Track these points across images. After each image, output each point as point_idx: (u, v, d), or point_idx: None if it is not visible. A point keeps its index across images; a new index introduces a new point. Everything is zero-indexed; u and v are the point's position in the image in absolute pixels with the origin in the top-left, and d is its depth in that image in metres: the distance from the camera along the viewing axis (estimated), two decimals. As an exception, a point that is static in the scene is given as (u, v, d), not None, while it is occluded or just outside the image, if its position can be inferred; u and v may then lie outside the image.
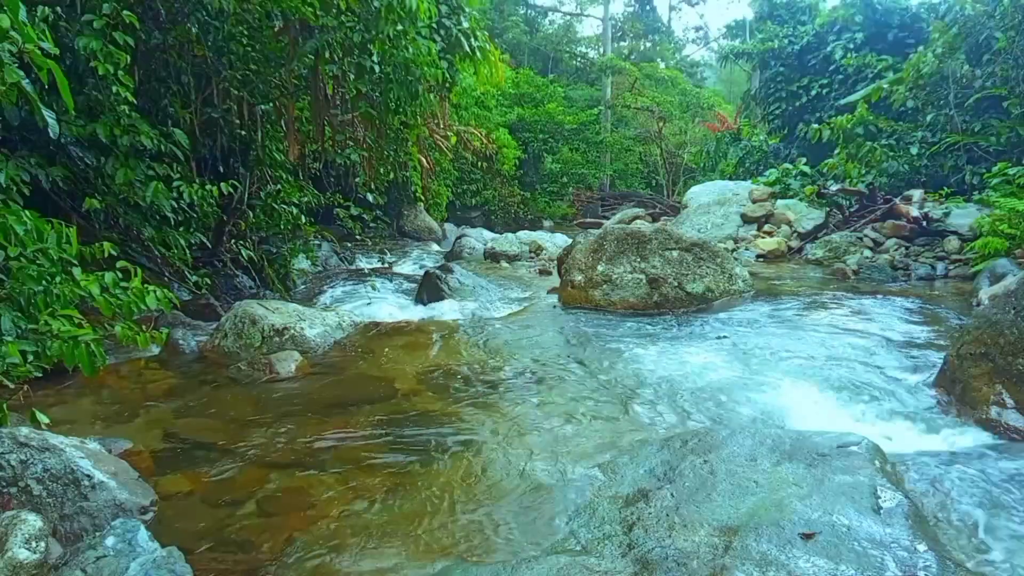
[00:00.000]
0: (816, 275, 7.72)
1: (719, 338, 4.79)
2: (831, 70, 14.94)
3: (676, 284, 5.80)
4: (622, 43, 33.51)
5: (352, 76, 5.82)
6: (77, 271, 2.81)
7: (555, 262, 7.30)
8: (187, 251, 5.51)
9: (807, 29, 15.94)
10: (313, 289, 7.82)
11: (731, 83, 33.19)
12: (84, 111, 4.53)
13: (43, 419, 2.71)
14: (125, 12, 4.22)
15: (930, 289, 6.73)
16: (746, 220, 10.76)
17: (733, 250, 9.33)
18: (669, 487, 2.47)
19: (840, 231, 9.25)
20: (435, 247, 13.64)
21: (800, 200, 10.99)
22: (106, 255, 3.01)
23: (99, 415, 3.63)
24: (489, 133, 17.52)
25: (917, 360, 4.17)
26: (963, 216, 8.38)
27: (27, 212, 2.72)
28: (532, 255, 10.57)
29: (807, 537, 2.08)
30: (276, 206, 6.74)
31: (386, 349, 4.84)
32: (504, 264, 9.86)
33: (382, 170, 7.49)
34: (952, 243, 7.91)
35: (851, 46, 14.45)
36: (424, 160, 13.29)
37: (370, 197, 7.09)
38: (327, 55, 5.64)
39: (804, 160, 12.45)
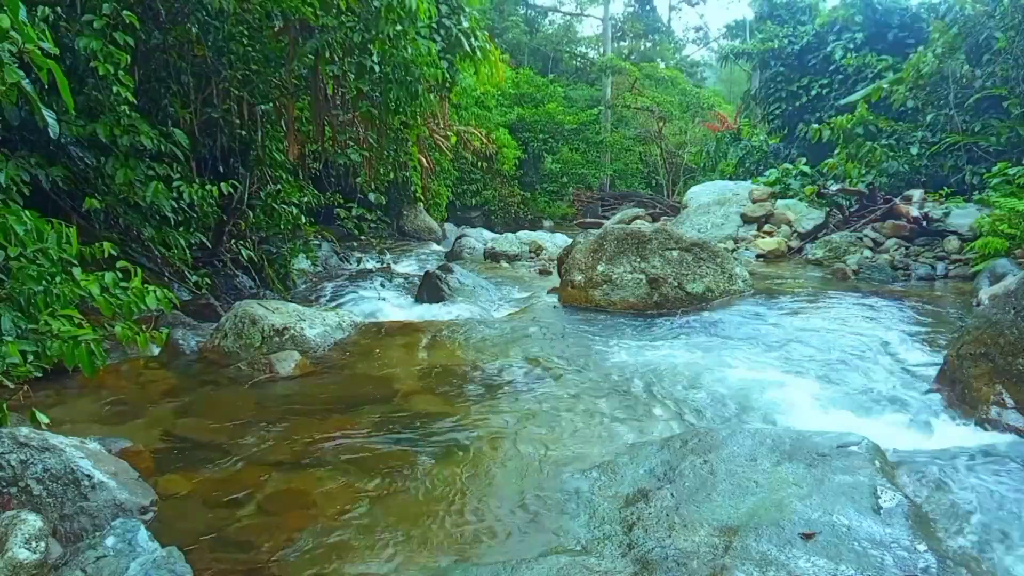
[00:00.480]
0: (816, 275, 7.72)
1: (719, 338, 4.79)
2: (831, 70, 14.94)
3: (676, 284, 5.80)
4: (622, 43, 33.51)
5: (352, 76, 5.82)
6: (77, 271, 2.81)
7: (555, 262, 7.30)
8: (187, 251, 5.50)
9: (807, 29, 15.93)
10: (313, 289, 7.82)
11: (731, 83, 33.18)
12: (84, 111, 4.53)
13: (43, 419, 2.71)
14: (125, 12, 4.22)
15: (930, 289, 6.73)
16: (746, 220, 10.75)
17: (733, 250, 9.33)
18: (669, 487, 2.47)
19: (840, 231, 9.24)
20: (435, 247, 13.64)
21: (800, 200, 10.98)
22: (106, 255, 3.01)
23: (99, 415, 3.63)
24: (489, 133, 17.52)
25: (917, 360, 4.17)
26: (963, 216, 8.38)
27: (27, 212, 2.72)
28: (532, 255, 10.56)
29: (807, 537, 2.08)
30: (276, 206, 6.75)
31: (386, 349, 4.84)
32: (504, 264, 9.86)
33: (382, 170, 7.49)
34: (952, 243, 7.91)
35: (851, 46, 14.44)
36: (424, 160, 13.29)
37: (371, 197, 7.09)
38: (327, 55, 5.64)
39: (804, 160, 12.45)
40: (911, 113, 11.46)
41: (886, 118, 11.54)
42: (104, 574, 1.96)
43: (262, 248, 6.93)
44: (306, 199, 7.25)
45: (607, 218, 15.75)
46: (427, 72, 6.00)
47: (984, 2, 9.98)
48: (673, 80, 24.78)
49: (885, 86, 11.59)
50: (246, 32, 5.96)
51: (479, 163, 17.65)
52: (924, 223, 8.47)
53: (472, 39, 6.54)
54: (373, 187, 7.18)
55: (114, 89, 4.30)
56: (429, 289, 6.76)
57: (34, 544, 2.03)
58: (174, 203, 5.12)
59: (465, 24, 6.47)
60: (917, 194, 9.41)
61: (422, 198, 14.28)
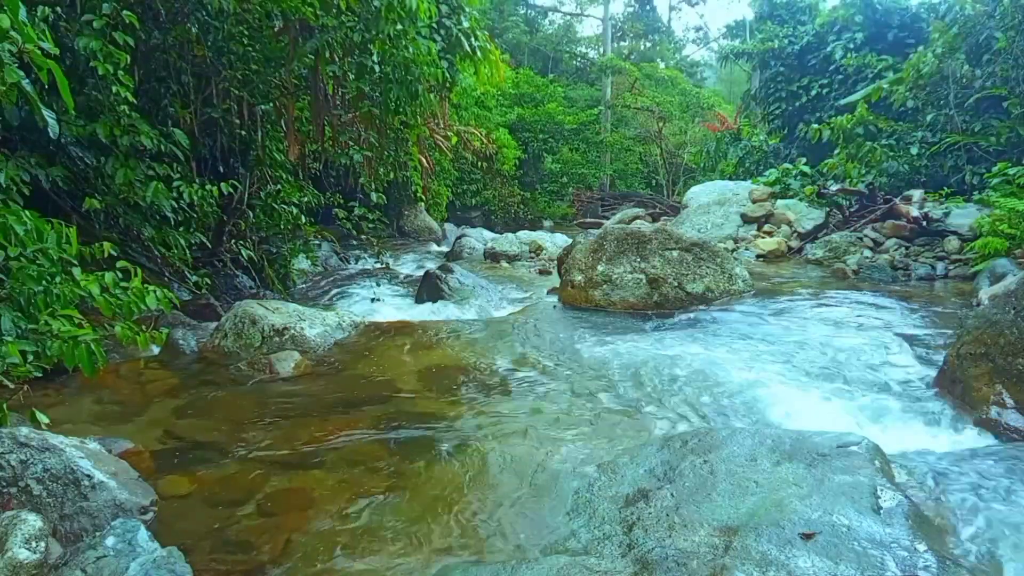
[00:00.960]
0: (816, 275, 7.72)
1: (719, 338, 4.79)
2: (831, 70, 14.92)
3: (676, 284, 5.80)
4: (622, 43, 33.52)
5: (352, 76, 5.82)
6: (77, 271, 2.81)
7: (555, 262, 7.30)
8: (187, 251, 5.50)
9: (807, 29, 15.93)
10: (313, 289, 7.82)
11: (731, 83, 33.16)
12: (84, 111, 4.53)
13: (43, 419, 2.71)
14: (125, 12, 4.22)
15: (930, 289, 6.73)
16: (746, 220, 10.75)
17: (733, 250, 9.32)
18: (669, 487, 2.47)
19: (840, 231, 9.23)
20: (435, 247, 13.65)
21: (800, 200, 10.98)
22: (106, 255, 3.01)
23: (99, 415, 3.63)
24: (489, 133, 17.52)
25: (917, 360, 4.17)
26: (963, 216, 8.38)
27: (27, 212, 2.72)
28: (532, 255, 10.56)
29: (807, 537, 2.08)
30: (276, 206, 6.75)
31: (386, 349, 4.84)
32: (504, 264, 9.86)
33: (382, 170, 7.49)
34: (952, 243, 7.91)
35: (851, 46, 14.43)
36: (424, 160, 13.28)
37: (373, 196, 7.09)
38: (327, 55, 5.64)
39: (804, 160, 12.44)
40: (911, 113, 11.45)
41: (886, 118, 11.54)
42: (104, 574, 1.96)
43: (262, 248, 6.93)
44: (306, 199, 7.25)
45: (607, 218, 15.74)
46: (427, 72, 6.00)
47: (984, 2, 9.98)
48: (673, 80, 24.78)
49: (885, 86, 11.58)
50: (246, 32, 5.96)
51: (479, 163, 17.65)
52: (924, 223, 8.47)
53: (472, 39, 6.54)
54: (374, 187, 7.18)
55: (114, 89, 4.29)
56: (429, 289, 6.76)
57: (34, 544, 2.03)
58: (174, 203, 5.12)
59: (465, 24, 6.47)
60: (917, 194, 9.41)
61: (422, 198, 14.28)
